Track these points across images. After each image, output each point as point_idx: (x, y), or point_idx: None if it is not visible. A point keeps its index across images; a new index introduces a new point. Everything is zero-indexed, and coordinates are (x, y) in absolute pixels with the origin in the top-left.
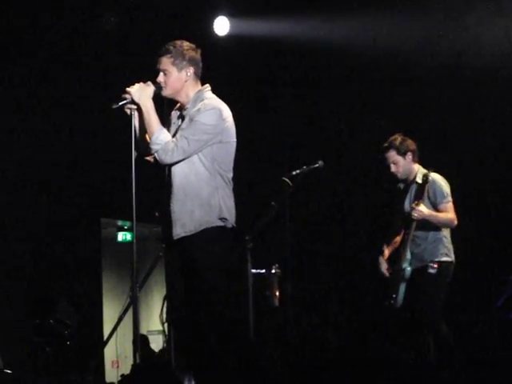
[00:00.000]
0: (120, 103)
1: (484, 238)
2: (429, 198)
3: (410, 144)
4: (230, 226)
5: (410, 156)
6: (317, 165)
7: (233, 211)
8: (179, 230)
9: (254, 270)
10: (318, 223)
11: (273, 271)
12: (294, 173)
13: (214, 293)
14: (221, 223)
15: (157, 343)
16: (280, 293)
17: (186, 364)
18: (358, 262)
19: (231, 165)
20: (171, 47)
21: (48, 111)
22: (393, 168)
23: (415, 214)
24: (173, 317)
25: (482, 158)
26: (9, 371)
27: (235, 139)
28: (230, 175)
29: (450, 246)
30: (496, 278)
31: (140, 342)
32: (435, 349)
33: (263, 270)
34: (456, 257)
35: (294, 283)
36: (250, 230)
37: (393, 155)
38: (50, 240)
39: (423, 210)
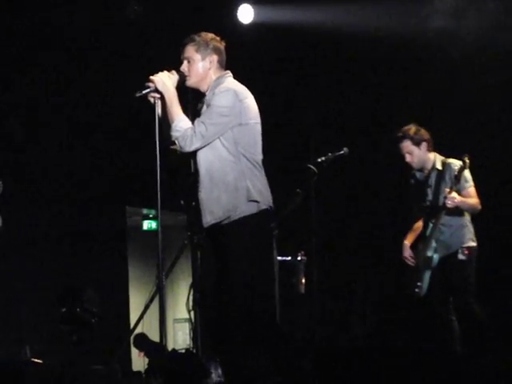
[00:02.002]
0: (144, 92)
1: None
2: (452, 183)
3: (424, 134)
4: (263, 207)
5: (424, 146)
6: (342, 152)
7: (265, 192)
8: (209, 218)
9: (279, 258)
10: (343, 210)
11: (299, 258)
12: (319, 160)
13: (245, 280)
14: (251, 207)
15: (183, 331)
16: (306, 280)
17: (212, 352)
18: (384, 249)
19: (258, 147)
20: (196, 36)
21: (73, 100)
22: (408, 158)
23: (449, 202)
24: (203, 303)
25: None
26: (36, 360)
27: (258, 121)
28: (259, 157)
29: (473, 231)
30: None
31: (141, 338)
32: (467, 335)
33: (289, 258)
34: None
35: (319, 270)
36: (276, 218)
37: (407, 145)
38: (76, 229)
39: (456, 197)
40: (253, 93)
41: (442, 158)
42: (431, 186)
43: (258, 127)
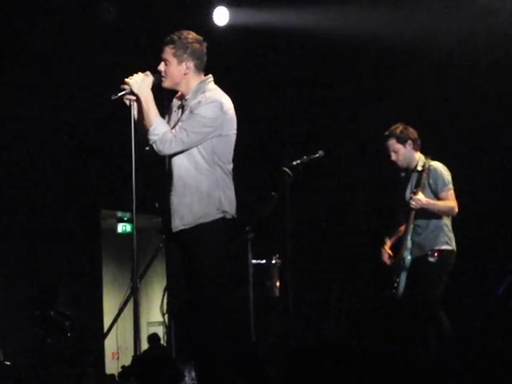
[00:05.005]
0: (119, 94)
1: (485, 226)
2: (430, 186)
3: (411, 133)
4: (229, 216)
5: (410, 144)
6: (317, 155)
7: (233, 202)
8: (178, 223)
9: (254, 261)
10: (318, 213)
11: (273, 261)
12: (294, 163)
13: (214, 285)
14: (220, 215)
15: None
16: (280, 283)
17: (186, 355)
18: (359, 252)
19: (231, 156)
20: (176, 37)
21: (47, 102)
22: (393, 157)
23: (413, 203)
24: (174, 308)
25: (484, 146)
26: (9, 363)
27: (235, 131)
28: (230, 167)
29: (451, 235)
30: (497, 266)
31: (153, 339)
32: (436, 338)
33: (263, 261)
34: (457, 245)
35: (294, 273)
36: (251, 221)
37: (393, 143)
38: (50, 232)
39: (421, 198)
40: (227, 94)
41: (427, 159)
42: (411, 187)
43: (235, 137)
